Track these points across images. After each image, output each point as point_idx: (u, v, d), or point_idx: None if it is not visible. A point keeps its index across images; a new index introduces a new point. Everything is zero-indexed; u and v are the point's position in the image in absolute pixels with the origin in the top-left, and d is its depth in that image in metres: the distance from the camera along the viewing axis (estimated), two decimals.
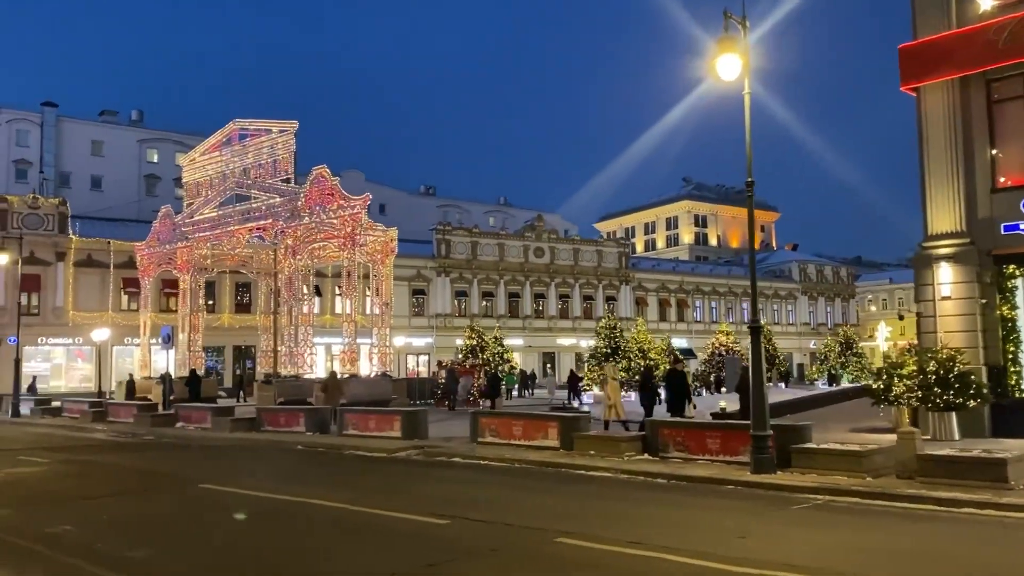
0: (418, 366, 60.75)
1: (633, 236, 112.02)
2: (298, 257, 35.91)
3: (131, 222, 57.59)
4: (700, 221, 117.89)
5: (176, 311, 49.83)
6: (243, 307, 54.54)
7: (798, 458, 12.65)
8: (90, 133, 72.89)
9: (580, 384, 41.71)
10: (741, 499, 11.27)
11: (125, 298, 50.51)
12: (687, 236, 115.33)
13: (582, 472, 13.90)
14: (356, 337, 35.26)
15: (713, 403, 32.62)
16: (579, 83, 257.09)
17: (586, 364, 46.36)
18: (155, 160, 75.36)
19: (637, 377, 45.23)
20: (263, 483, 13.33)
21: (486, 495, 11.98)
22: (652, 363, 46.41)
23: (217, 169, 40.05)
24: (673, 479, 12.83)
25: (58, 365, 49.66)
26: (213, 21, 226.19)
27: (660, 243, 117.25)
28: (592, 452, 15.13)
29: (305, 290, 36.92)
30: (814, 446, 12.82)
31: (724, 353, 50.95)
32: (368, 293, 40.35)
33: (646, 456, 14.84)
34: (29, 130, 69.84)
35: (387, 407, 28.18)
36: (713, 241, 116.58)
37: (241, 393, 44.94)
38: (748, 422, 13.45)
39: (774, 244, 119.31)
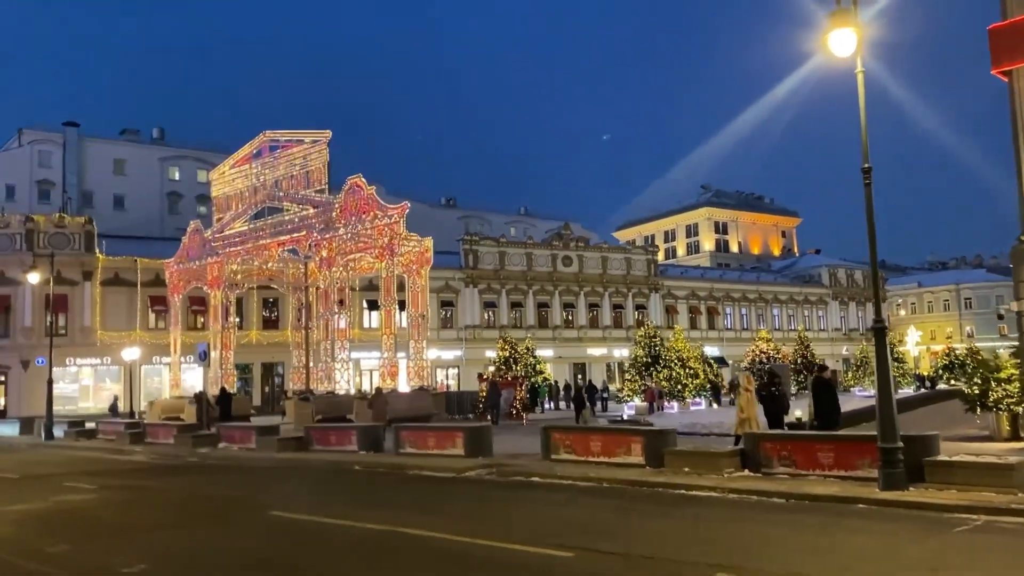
0: (447, 379, 59.62)
1: (653, 244, 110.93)
2: (333, 269, 34.94)
3: (155, 240, 56.97)
4: (721, 228, 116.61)
5: (204, 328, 49.08)
6: (271, 323, 53.67)
7: (932, 472, 11.44)
8: (112, 152, 72.57)
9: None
10: (886, 520, 10.07)
11: (152, 316, 49.76)
12: (708, 243, 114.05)
13: (683, 492, 12.71)
14: (396, 351, 34.21)
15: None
16: (595, 93, 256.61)
17: (625, 374, 45.16)
18: (177, 177, 74.96)
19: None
20: (337, 508, 12.24)
21: (593, 520, 10.83)
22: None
23: (247, 182, 39.25)
24: (792, 498, 11.63)
25: (86, 386, 48.91)
26: (228, 38, 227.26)
27: (680, 251, 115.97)
28: (686, 469, 13.93)
29: (339, 304, 35.90)
30: (949, 458, 11.61)
31: (765, 360, 49.49)
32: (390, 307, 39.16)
33: (747, 472, 13.64)
34: (52, 151, 69.51)
35: (428, 422, 27.16)
36: (734, 248, 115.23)
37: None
38: (866, 433, 12.27)
39: (796, 250, 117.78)
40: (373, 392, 33.64)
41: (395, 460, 18.86)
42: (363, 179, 34.15)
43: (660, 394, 39.12)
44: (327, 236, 34.57)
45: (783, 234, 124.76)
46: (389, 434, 21.17)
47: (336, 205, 34.62)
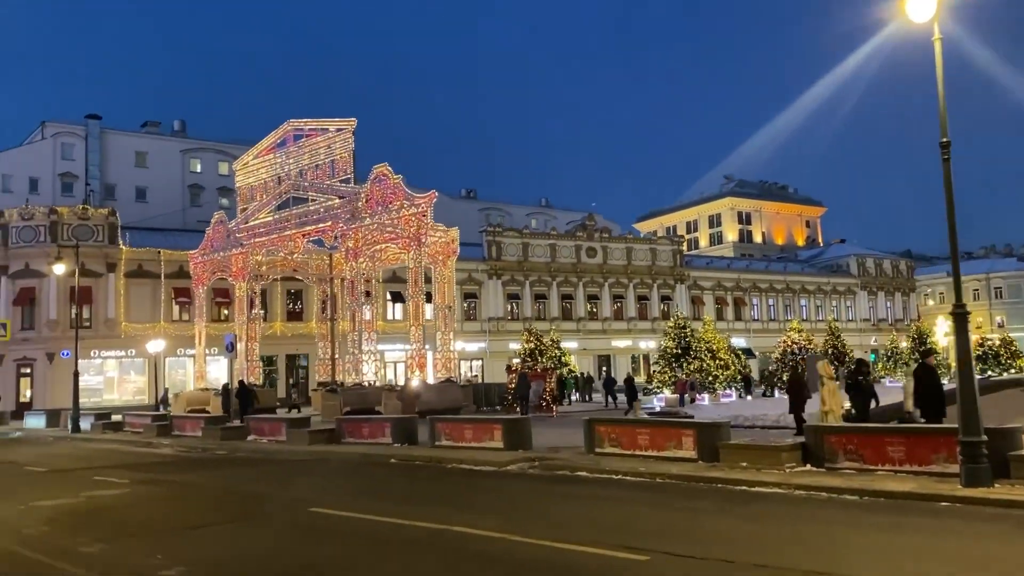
0: (471, 371, 59.04)
1: (676, 235, 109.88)
2: (359, 260, 34.42)
3: (178, 231, 56.76)
4: (744, 218, 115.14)
5: (228, 320, 48.75)
6: (295, 315, 53.28)
7: (1018, 467, 10.68)
8: (134, 145, 72.54)
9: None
10: (974, 520, 9.34)
11: (176, 308, 49.48)
12: (731, 234, 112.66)
13: (745, 488, 11.99)
14: (424, 343, 33.65)
15: (753, 405, 30.57)
16: (610, 85, 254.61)
17: (654, 366, 44.39)
18: (198, 170, 74.83)
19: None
20: (380, 505, 11.64)
21: (657, 519, 10.16)
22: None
23: (271, 172, 38.80)
24: (866, 495, 10.89)
25: (111, 378, 48.73)
26: (246, 29, 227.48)
27: (703, 242, 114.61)
28: (743, 464, 13.21)
29: (367, 295, 35.40)
30: None
31: (797, 351, 48.49)
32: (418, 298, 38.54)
33: (809, 467, 12.90)
34: (74, 143, 69.58)
35: (458, 414, 26.59)
36: (758, 238, 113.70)
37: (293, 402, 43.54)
38: (943, 426, 11.52)
39: (820, 240, 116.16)
40: (402, 384, 33.11)
41: (431, 453, 18.27)
42: (389, 168, 33.57)
43: (693, 386, 38.29)
44: (353, 226, 34.05)
45: (807, 224, 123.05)
46: (423, 426, 20.61)
47: (362, 195, 34.08)
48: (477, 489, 13.50)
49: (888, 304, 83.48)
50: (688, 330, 43.55)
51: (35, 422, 36.62)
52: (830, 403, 14.45)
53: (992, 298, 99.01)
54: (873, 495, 10.84)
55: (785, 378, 48.51)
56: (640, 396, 38.14)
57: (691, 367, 41.85)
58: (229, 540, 9.82)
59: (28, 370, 46.00)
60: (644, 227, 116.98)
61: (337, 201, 35.39)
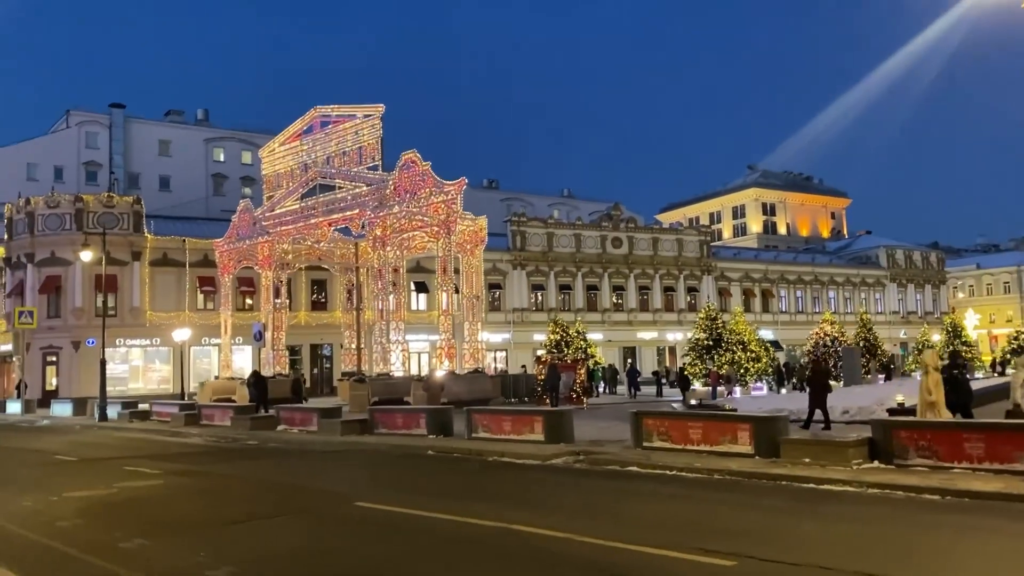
0: (495, 362, 58.45)
1: (701, 225, 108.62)
2: (387, 248, 33.88)
3: (202, 220, 56.56)
4: (768, 209, 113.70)
5: (252, 309, 48.47)
6: (319, 304, 52.88)
7: None
8: (157, 133, 72.49)
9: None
10: None
11: (201, 297, 49.24)
12: (755, 225, 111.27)
13: (812, 486, 11.32)
14: (453, 333, 33.11)
15: (799, 398, 29.68)
16: (635, 74, 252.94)
17: (684, 358, 43.62)
18: (221, 159, 74.65)
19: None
20: (429, 500, 11.07)
21: (727, 519, 9.50)
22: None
23: (298, 159, 38.33)
24: (948, 495, 10.19)
25: (136, 367, 48.60)
26: (270, 15, 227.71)
27: (727, 233, 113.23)
28: (807, 460, 12.52)
29: (393, 285, 34.86)
30: None
31: (829, 344, 47.52)
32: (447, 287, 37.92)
33: (878, 464, 12.20)
34: (99, 132, 69.61)
35: (487, 406, 26.05)
36: (782, 230, 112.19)
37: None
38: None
39: (845, 231, 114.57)
40: (426, 374, 32.61)
41: (469, 445, 17.71)
42: (418, 154, 32.98)
43: (729, 379, 37.50)
44: (381, 214, 33.50)
45: (832, 215, 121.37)
46: (458, 418, 20.06)
47: (390, 182, 33.52)
48: (526, 484, 12.91)
49: (918, 296, 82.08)
50: (720, 321, 42.71)
51: (62, 410, 36.46)
52: (936, 395, 13.41)
53: None
54: (956, 495, 10.15)
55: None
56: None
57: (723, 359, 41.06)
58: (276, 536, 9.28)
59: (54, 358, 45.92)
60: (666, 218, 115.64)
61: (364, 188, 34.86)
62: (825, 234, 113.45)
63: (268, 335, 38.18)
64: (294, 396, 33.68)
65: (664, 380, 44.92)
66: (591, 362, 43.82)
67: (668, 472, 13.05)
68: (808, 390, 21.29)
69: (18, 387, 42.30)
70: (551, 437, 16.94)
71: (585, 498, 11.41)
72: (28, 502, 12.37)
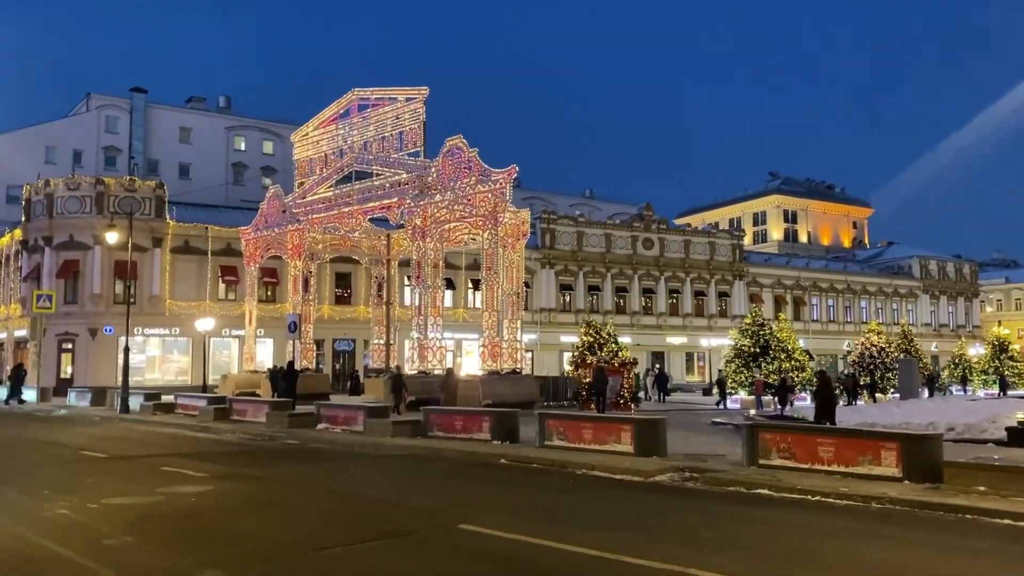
0: (522, 363, 56.50)
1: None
2: (427, 240, 32.03)
3: (223, 208, 54.89)
4: (790, 217, 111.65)
5: (275, 300, 46.73)
6: (342, 299, 51.08)
7: None
8: (178, 120, 70.92)
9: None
10: None
11: (222, 287, 47.52)
12: (776, 232, 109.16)
13: (1010, 523, 9.40)
14: (498, 331, 31.24)
15: (875, 411, 27.94)
16: (654, 78, 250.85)
17: (728, 365, 41.60)
18: (242, 148, 73.04)
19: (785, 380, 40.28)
20: (540, 525, 9.23)
21: (931, 565, 7.65)
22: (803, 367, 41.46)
23: (333, 144, 36.50)
24: None
25: (153, 357, 46.86)
26: (292, 7, 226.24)
27: (747, 240, 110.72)
28: (981, 488, 10.60)
29: (433, 278, 32.99)
30: None
31: (875, 355, 45.45)
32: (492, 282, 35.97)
33: None
34: (119, 116, 68.04)
35: (531, 408, 24.16)
36: (803, 238, 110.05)
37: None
38: None
39: (867, 241, 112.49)
40: (445, 372, 30.11)
41: (544, 455, 15.81)
42: (464, 140, 31.13)
43: (791, 387, 35.37)
44: (422, 203, 31.68)
45: (854, 225, 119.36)
46: (526, 424, 18.18)
47: (432, 169, 31.69)
48: (646, 507, 11.01)
49: (950, 309, 79.95)
50: (767, 328, 40.71)
51: (79, 400, 34.71)
52: None
53: None
54: None
55: (863, 383, 45.90)
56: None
57: (770, 367, 39.08)
58: (386, 571, 7.42)
59: (70, 345, 44.20)
60: (684, 223, 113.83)
61: (404, 176, 33.02)
62: (847, 243, 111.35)
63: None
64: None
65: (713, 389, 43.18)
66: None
67: (809, 498, 11.14)
68: (816, 402, 19.66)
69: (12, 375, 39.74)
70: (642, 449, 15.06)
71: (732, 530, 9.46)
72: (63, 509, 10.57)
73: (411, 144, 32.96)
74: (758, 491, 11.76)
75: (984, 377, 53.02)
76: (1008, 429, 17.18)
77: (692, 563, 7.38)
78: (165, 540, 8.88)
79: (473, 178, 30.49)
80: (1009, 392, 47.24)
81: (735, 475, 12.72)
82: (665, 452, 15.20)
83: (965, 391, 53.85)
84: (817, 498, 11.09)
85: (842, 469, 12.38)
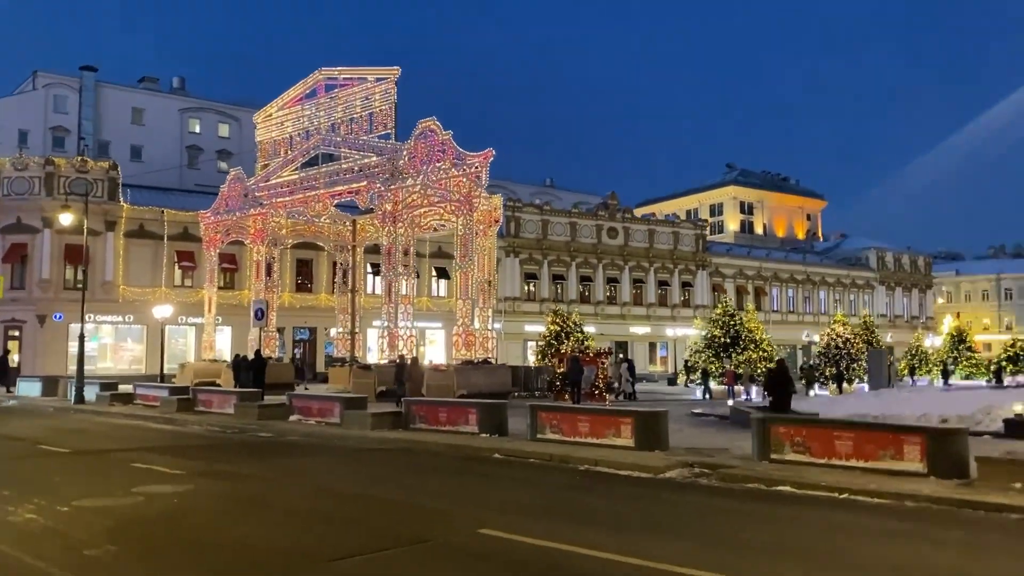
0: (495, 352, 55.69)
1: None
2: (398, 225, 31.05)
3: (179, 192, 53.02)
4: (746, 208, 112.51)
5: (233, 288, 45.24)
6: (302, 286, 49.72)
7: None
8: (130, 100, 68.33)
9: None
10: None
11: (179, 273, 45.85)
12: (732, 224, 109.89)
13: None
14: (472, 319, 30.43)
15: (853, 402, 27.85)
16: (621, 70, 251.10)
17: (697, 355, 41.43)
18: (197, 130, 70.73)
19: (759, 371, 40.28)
20: (565, 527, 8.56)
21: (983, 569, 7.13)
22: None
23: (299, 125, 35.24)
24: None
25: (105, 345, 45.03)
26: None
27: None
28: (1017, 485, 10.15)
29: (403, 265, 32.04)
30: None
31: (841, 345, 45.67)
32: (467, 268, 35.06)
33: None
34: (67, 96, 65.22)
35: (505, 399, 23.45)
36: (759, 229, 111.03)
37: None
38: None
39: (820, 234, 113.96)
40: (399, 360, 28.73)
41: (539, 449, 15.10)
42: (438, 123, 30.18)
43: (751, 378, 35.26)
44: (392, 187, 30.67)
45: (808, 217, 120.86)
46: (514, 415, 17.44)
47: (404, 152, 30.68)
48: (669, 506, 10.35)
49: (905, 300, 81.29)
50: (737, 318, 40.60)
51: (29, 389, 33.00)
52: None
53: (1002, 299, 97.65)
54: None
55: (828, 373, 46.15)
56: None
57: (740, 358, 38.98)
58: None
59: (16, 333, 42.23)
60: (642, 213, 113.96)
61: (374, 159, 31.95)
62: (800, 235, 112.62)
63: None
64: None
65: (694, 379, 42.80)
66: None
67: (837, 495, 10.60)
68: (771, 393, 19.27)
69: None
70: (643, 443, 14.43)
71: (774, 532, 8.84)
72: (30, 513, 9.54)
73: (381, 126, 31.91)
74: (779, 488, 11.19)
75: (929, 367, 53.54)
76: (1006, 421, 16.99)
77: (753, 572, 6.71)
78: (154, 549, 7.96)
79: (447, 162, 29.62)
80: (948, 382, 47.83)
81: (751, 471, 12.16)
82: (667, 446, 14.61)
83: (913, 381, 54.38)
84: (845, 495, 10.56)
85: (861, 464, 11.89)
